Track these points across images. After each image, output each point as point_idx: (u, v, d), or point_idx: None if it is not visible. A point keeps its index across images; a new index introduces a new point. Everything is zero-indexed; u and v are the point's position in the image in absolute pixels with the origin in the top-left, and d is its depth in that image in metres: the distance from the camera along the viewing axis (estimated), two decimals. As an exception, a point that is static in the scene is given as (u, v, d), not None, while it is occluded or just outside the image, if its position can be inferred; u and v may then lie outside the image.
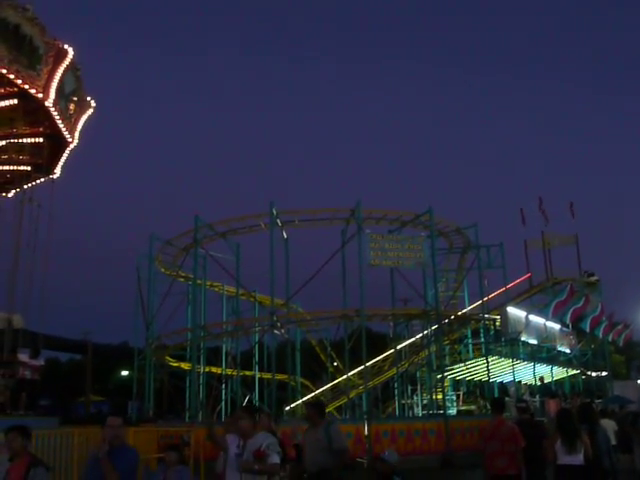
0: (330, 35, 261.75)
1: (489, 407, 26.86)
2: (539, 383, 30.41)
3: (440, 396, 28.70)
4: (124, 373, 53.53)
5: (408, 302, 34.80)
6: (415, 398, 34.24)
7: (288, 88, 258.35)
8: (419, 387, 33.92)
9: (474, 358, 30.77)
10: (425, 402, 32.35)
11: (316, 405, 8.19)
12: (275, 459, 5.91)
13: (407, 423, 23.76)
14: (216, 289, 33.46)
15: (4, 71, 13.53)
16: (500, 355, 28.74)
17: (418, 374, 33.76)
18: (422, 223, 27.32)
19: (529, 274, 38.30)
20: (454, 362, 31.19)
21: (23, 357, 15.82)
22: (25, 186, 19.57)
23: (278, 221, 27.07)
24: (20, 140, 16.91)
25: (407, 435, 21.92)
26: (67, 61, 15.16)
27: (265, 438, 6.03)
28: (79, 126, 17.77)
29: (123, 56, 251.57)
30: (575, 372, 35.63)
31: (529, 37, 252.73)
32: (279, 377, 30.57)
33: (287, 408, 29.83)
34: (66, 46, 15.04)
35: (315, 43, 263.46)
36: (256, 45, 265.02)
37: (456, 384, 33.51)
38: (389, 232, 27.42)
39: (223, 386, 32.87)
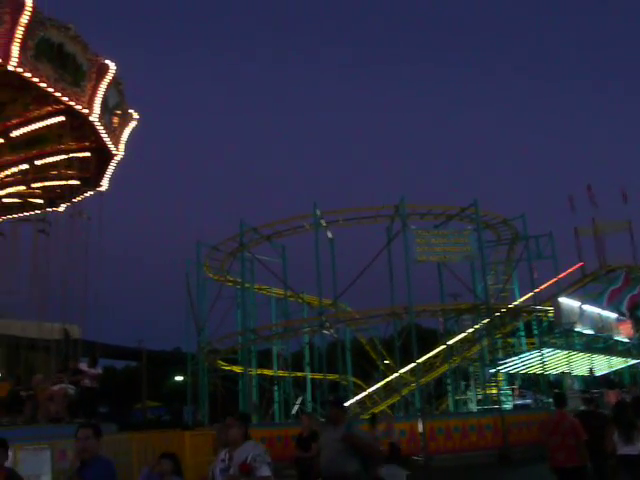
0: (365, 34, 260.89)
1: (544, 401, 26.67)
2: (589, 375, 29.76)
3: (495, 390, 28.36)
4: (178, 378, 54.43)
5: (457, 297, 34.42)
6: (469, 393, 33.87)
7: (326, 88, 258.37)
8: (472, 382, 33.54)
9: (528, 351, 30.27)
10: (480, 397, 31.98)
11: (338, 402, 7.31)
12: (265, 471, 5.38)
13: (462, 419, 23.52)
14: (264, 292, 33.73)
15: (51, 90, 13.87)
16: (555, 347, 28.19)
17: (471, 369, 33.39)
18: (468, 216, 27.04)
19: (581, 263, 37.40)
20: (507, 356, 30.74)
21: (82, 366, 16.22)
22: (75, 200, 20.04)
23: (322, 221, 27.15)
24: (68, 155, 17.32)
25: (462, 431, 21.70)
26: (109, 76, 15.44)
27: (253, 448, 5.49)
28: (124, 138, 18.10)
29: (162, 62, 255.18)
30: (635, 362, 34.67)
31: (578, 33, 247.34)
32: (330, 377, 30.63)
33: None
34: (108, 61, 15.36)
35: (340, 44, 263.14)
36: (292, 47, 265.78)
37: (510, 378, 33.03)
38: (435, 227, 27.25)
39: (275, 388, 33.11)
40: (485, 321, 27.07)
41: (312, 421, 11.32)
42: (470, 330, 30.53)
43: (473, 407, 32.20)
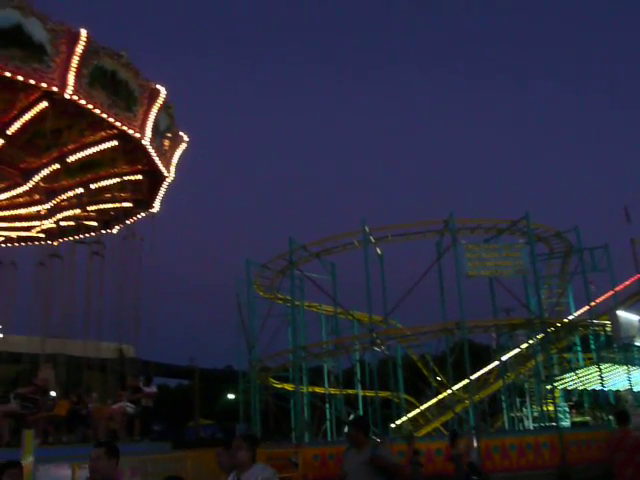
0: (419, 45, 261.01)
1: (605, 418, 25.91)
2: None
3: (551, 407, 27.71)
4: (230, 396, 54.81)
5: (510, 311, 33.88)
6: (525, 410, 33.17)
7: (371, 102, 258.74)
8: (528, 399, 32.84)
9: (585, 366, 29.50)
10: (536, 414, 31.27)
11: (360, 423, 6.91)
12: None
13: (518, 437, 23.04)
14: (314, 309, 33.80)
15: (104, 115, 14.29)
16: (613, 362, 27.42)
17: (526, 385, 32.73)
18: (519, 229, 26.68)
19: (639, 275, 36.35)
20: (564, 371, 30.01)
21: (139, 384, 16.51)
22: (127, 222, 20.53)
23: (371, 238, 27.14)
24: (121, 178, 17.77)
25: (519, 449, 21.25)
26: (160, 100, 15.82)
27: (262, 471, 5.25)
28: (174, 161, 18.48)
29: (206, 81, 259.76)
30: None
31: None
32: (382, 394, 30.41)
33: (392, 425, 29.60)
34: (158, 86, 15.75)
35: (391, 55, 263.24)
36: (342, 61, 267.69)
37: (568, 394, 32.21)
38: (485, 241, 26.93)
39: (327, 405, 33.03)
40: (540, 336, 26.55)
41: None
42: (524, 345, 29.96)
43: (529, 425, 31.51)
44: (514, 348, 30.95)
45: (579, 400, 33.45)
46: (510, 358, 30.72)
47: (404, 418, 29.99)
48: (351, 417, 31.96)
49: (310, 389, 31.68)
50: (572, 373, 28.53)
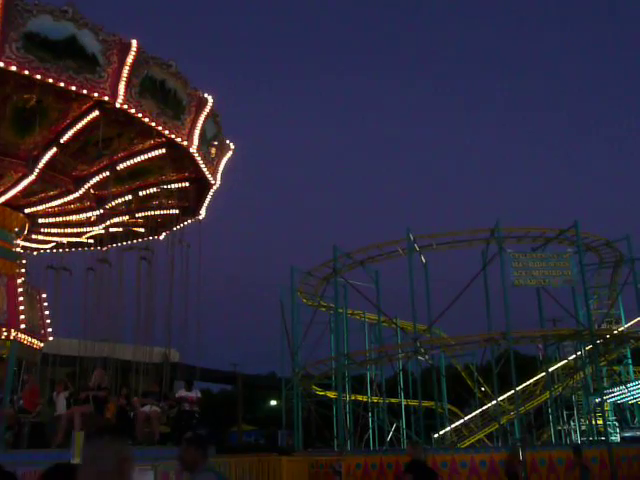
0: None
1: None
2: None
3: (600, 421, 27.07)
4: (273, 402, 55.00)
5: (557, 322, 33.26)
6: (572, 424, 32.45)
7: (416, 109, 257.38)
8: (576, 412, 32.13)
9: (635, 380, 28.71)
10: (584, 428, 30.56)
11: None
12: None
13: (565, 451, 22.47)
14: (358, 317, 33.76)
15: (153, 124, 14.58)
16: (666, 375, 26.66)
17: (574, 398, 32.03)
18: (568, 239, 26.21)
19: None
20: (613, 384, 29.26)
21: (181, 392, 16.65)
22: (174, 228, 20.81)
23: (416, 246, 27.00)
24: (169, 186, 18.06)
25: (566, 464, 20.71)
26: (207, 109, 16.08)
27: None
28: (220, 168, 18.71)
29: (253, 86, 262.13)
30: None
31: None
32: (426, 404, 30.16)
33: (435, 435, 29.30)
34: (206, 95, 16.01)
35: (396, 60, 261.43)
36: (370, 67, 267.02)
37: (617, 408, 31.38)
38: (532, 250, 26.54)
39: (370, 414, 32.88)
40: (588, 347, 25.98)
41: (417, 451, 11.01)
42: (572, 357, 29.36)
43: (577, 438, 30.81)
44: (561, 360, 30.37)
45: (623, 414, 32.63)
46: (557, 370, 30.14)
47: (447, 428, 29.66)
48: (394, 424, 31.88)
49: (353, 397, 31.60)
50: (622, 386, 27.81)
